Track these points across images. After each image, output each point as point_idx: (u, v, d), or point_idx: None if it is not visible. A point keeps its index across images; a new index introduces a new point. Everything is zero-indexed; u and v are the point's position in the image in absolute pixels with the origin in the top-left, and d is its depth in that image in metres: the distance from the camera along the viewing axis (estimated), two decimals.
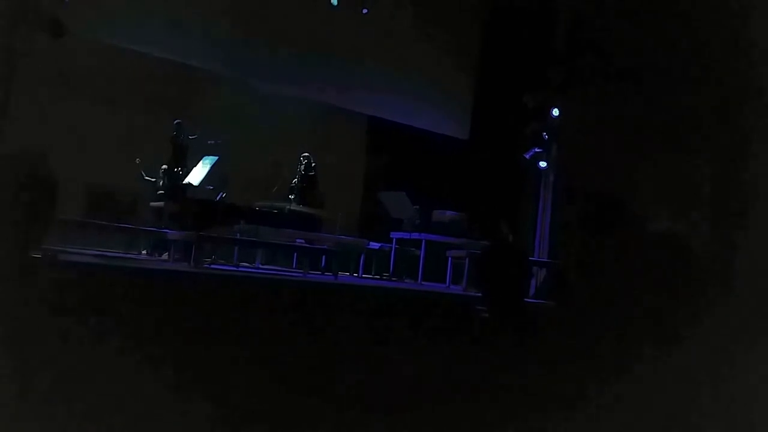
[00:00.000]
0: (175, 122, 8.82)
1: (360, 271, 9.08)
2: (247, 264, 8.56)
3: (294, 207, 8.87)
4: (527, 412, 2.88)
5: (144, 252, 8.50)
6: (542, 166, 9.37)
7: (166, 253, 7.98)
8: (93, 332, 2.98)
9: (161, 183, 8.82)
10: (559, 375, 3.47)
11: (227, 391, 2.65)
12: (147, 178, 8.74)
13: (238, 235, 7.90)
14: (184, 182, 8.62)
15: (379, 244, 9.19)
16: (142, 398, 2.44)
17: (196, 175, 8.64)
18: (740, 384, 3.39)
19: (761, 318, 4.86)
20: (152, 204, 8.73)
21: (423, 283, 8.83)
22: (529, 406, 2.96)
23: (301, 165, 9.32)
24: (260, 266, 8.65)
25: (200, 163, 8.77)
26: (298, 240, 8.58)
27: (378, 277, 9.29)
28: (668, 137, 7.28)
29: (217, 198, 8.52)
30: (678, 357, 3.82)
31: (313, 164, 9.37)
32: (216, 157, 8.71)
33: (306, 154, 9.37)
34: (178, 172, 8.80)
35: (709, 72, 6.87)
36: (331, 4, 10.05)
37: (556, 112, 9.28)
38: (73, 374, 2.52)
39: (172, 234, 7.49)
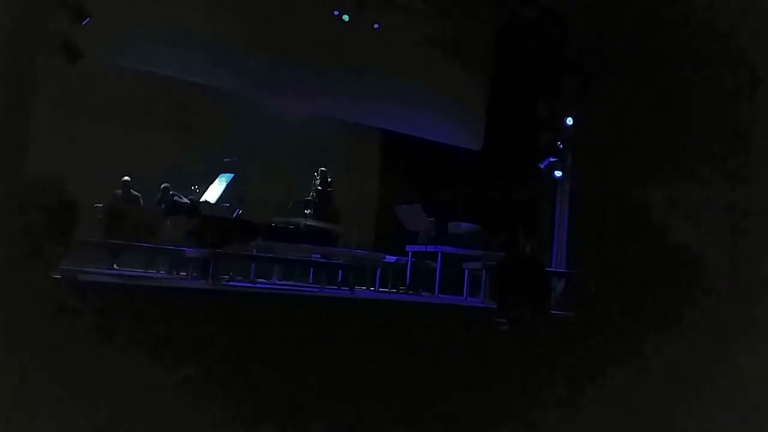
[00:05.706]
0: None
1: (376, 285, 9.08)
2: (264, 280, 8.59)
3: (310, 222, 8.90)
4: (544, 423, 2.86)
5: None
6: (557, 175, 9.34)
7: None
8: (113, 350, 3.00)
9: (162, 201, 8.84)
10: (578, 386, 3.44)
11: (244, 407, 2.66)
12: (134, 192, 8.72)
13: (255, 251, 7.95)
14: (201, 200, 8.70)
15: (395, 258, 9.19)
16: (159, 415, 2.45)
17: (213, 192, 8.71)
18: (762, 394, 3.33)
19: None
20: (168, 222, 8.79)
21: (440, 295, 8.80)
22: (548, 416, 2.94)
23: (316, 180, 9.37)
24: (277, 282, 8.67)
25: (216, 181, 8.85)
26: (314, 255, 8.60)
27: (394, 290, 9.27)
28: (685, 145, 7.21)
29: (234, 215, 8.58)
30: (699, 366, 3.78)
31: (329, 179, 9.40)
32: (232, 175, 8.78)
33: (323, 168, 9.42)
34: (195, 190, 8.88)
35: (729, 80, 6.80)
36: (343, 20, 10.14)
37: (570, 121, 9.25)
38: (89, 391, 2.55)
39: (190, 252, 7.56)
